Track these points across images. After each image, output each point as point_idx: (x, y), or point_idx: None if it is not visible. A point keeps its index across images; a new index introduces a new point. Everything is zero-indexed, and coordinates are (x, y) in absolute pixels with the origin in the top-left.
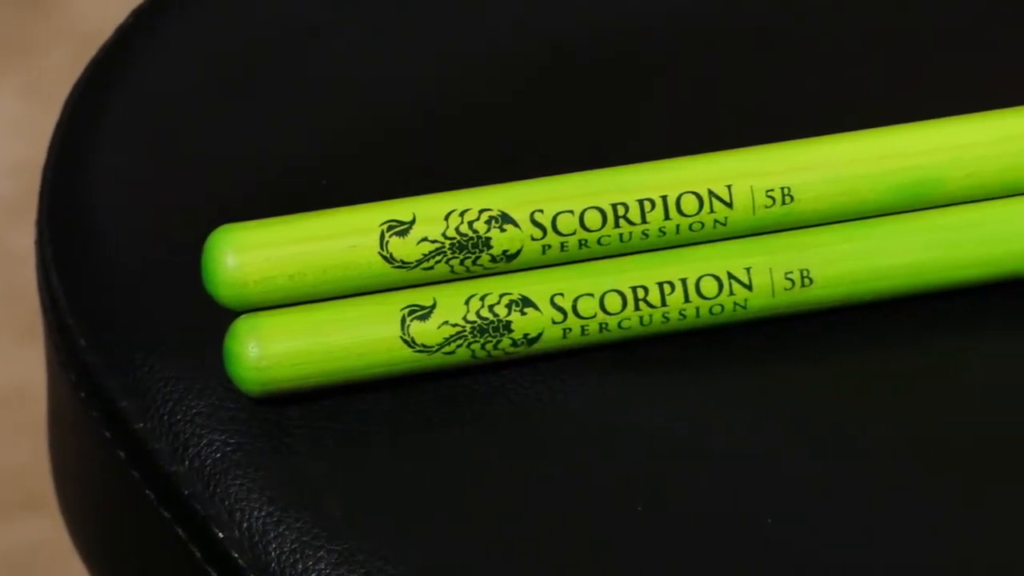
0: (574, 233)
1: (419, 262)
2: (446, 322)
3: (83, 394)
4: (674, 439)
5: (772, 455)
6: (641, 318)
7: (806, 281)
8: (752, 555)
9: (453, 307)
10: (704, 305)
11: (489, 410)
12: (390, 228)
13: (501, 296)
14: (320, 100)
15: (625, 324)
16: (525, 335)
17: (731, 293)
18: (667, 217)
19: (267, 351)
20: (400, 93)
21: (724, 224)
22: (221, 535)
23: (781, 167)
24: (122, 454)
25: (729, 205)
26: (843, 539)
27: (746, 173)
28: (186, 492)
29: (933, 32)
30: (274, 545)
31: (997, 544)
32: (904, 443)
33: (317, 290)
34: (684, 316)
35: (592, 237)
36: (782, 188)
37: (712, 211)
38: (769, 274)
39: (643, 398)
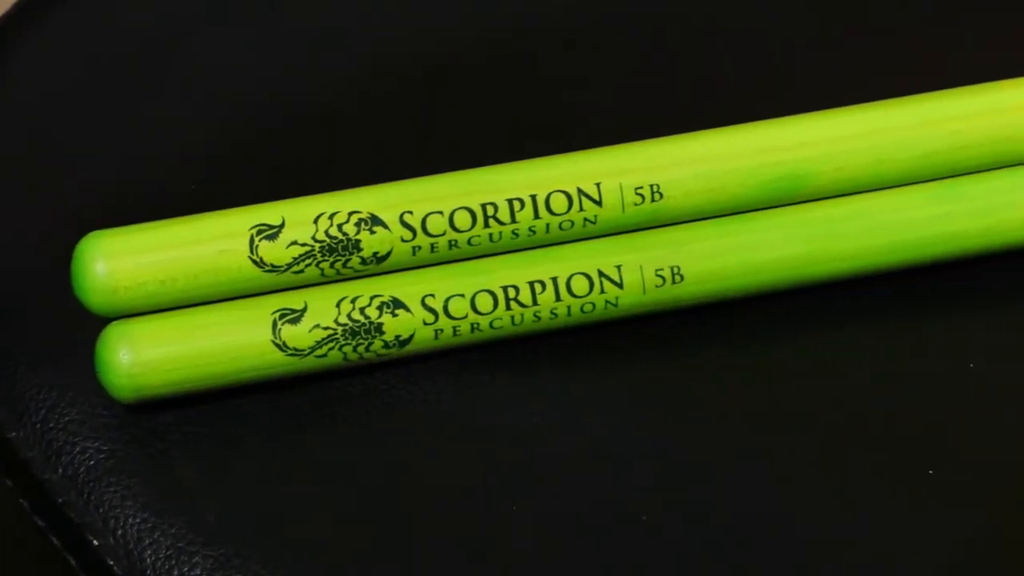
0: (444, 234)
1: (289, 266)
2: (317, 325)
3: None
4: (548, 438)
5: (646, 453)
6: (512, 317)
7: (677, 278)
8: (627, 553)
9: (324, 310)
10: (575, 303)
11: (363, 412)
12: (260, 232)
13: (372, 298)
14: (189, 104)
15: (497, 324)
16: (397, 337)
17: (602, 291)
18: (537, 216)
19: (139, 358)
20: (268, 96)
21: (594, 222)
22: (96, 543)
23: (649, 164)
24: None
25: (598, 203)
26: (719, 534)
27: (615, 171)
28: (60, 500)
29: (801, 27)
30: (149, 552)
31: (880, 537)
32: (780, 438)
33: (188, 295)
34: (556, 315)
35: (462, 238)
36: (651, 185)
37: (582, 209)
38: (640, 271)
39: (516, 397)
